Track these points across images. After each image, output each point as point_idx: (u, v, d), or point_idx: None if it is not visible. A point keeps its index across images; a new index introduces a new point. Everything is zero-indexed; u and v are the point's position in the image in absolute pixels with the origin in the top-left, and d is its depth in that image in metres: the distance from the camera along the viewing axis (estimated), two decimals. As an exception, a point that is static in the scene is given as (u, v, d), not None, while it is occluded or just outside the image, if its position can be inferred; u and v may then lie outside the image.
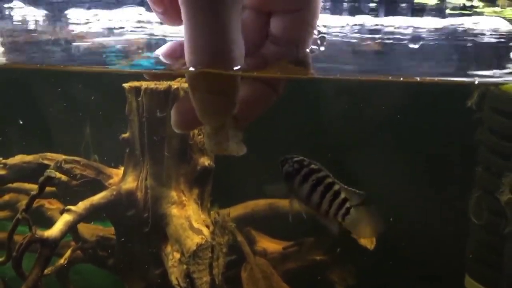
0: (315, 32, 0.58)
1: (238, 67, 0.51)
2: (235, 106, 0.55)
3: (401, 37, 0.94)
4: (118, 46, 0.88)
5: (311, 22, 0.57)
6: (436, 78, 0.76)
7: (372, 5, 1.01)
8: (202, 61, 0.49)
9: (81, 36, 0.93)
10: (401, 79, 0.84)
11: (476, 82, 0.85)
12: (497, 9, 1.23)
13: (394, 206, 2.45)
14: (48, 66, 0.90)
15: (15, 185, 2.56)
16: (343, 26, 0.91)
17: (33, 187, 2.42)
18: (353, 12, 0.99)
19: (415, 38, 0.93)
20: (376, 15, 1.00)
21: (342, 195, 0.70)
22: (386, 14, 1.00)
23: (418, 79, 0.81)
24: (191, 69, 0.50)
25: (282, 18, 0.56)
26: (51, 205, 2.61)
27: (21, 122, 2.68)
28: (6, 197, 2.69)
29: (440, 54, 0.87)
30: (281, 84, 0.60)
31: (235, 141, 0.58)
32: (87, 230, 2.46)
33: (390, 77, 0.80)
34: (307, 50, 0.59)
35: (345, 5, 1.01)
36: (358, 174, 2.53)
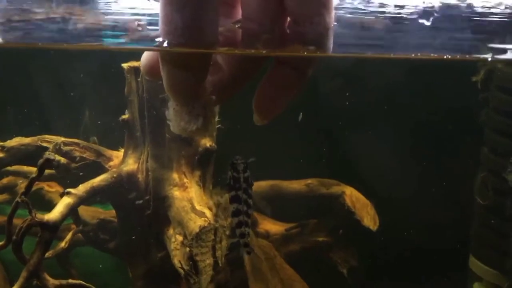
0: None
1: (209, 44, 0.51)
2: (202, 85, 0.55)
3: (410, 11, 0.90)
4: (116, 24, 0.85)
5: None
6: (445, 56, 0.73)
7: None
8: (172, 33, 0.50)
9: (78, 14, 0.90)
10: (412, 55, 0.81)
11: (489, 59, 0.82)
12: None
13: (399, 187, 2.43)
14: (44, 45, 0.87)
15: (13, 168, 2.51)
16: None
17: (32, 170, 2.38)
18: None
19: (425, 13, 0.89)
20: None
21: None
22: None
23: (420, 55, 0.77)
24: (165, 45, 0.50)
25: None
26: (51, 188, 2.59)
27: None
28: (5, 180, 2.65)
29: (450, 29, 0.84)
30: (308, 68, 0.59)
31: (198, 120, 0.57)
32: (87, 213, 2.44)
33: (391, 55, 0.77)
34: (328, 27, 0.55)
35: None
36: (363, 156, 2.51)
